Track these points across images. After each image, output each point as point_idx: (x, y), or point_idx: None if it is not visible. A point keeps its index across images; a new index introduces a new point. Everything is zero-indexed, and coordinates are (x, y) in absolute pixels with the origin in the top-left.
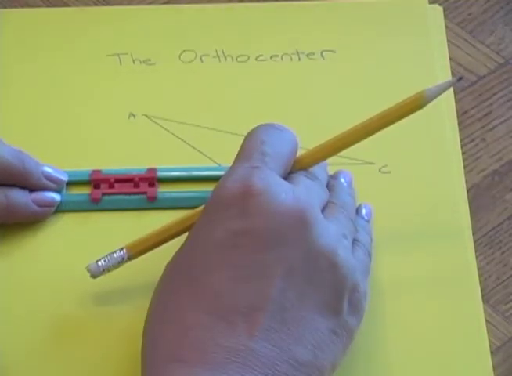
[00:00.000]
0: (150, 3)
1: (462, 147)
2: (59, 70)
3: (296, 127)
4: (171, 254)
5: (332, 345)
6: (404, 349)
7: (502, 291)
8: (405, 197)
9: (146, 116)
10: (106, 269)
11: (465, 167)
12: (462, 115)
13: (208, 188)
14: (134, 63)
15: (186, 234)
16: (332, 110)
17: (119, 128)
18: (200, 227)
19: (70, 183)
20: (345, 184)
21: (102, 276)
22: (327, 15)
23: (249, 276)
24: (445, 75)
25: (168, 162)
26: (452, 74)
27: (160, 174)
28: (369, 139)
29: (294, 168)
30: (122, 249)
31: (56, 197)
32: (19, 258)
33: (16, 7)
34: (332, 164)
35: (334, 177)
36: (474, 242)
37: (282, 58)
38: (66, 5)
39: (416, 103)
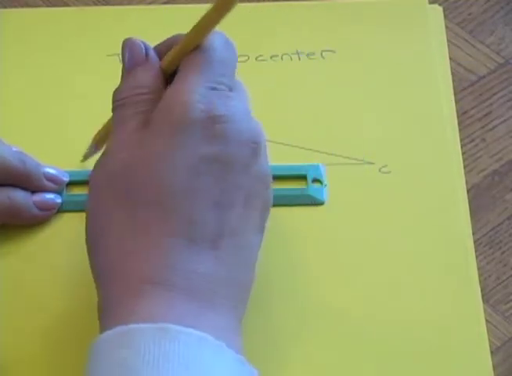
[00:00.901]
0: (150, 3)
1: (462, 147)
2: (59, 70)
3: (296, 126)
4: None
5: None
6: (404, 349)
7: (502, 290)
8: (405, 197)
9: None
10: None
11: (465, 167)
12: (462, 115)
13: None
14: None
15: None
16: (332, 109)
17: None
18: (159, 143)
19: (70, 183)
20: None
21: None
22: (327, 15)
23: (218, 203)
24: (445, 75)
25: None
26: (452, 74)
27: None
28: (369, 138)
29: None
30: None
31: (58, 199)
32: (19, 258)
33: (16, 7)
34: (332, 164)
35: None
36: (474, 242)
37: (282, 58)
38: (66, 5)
39: None
